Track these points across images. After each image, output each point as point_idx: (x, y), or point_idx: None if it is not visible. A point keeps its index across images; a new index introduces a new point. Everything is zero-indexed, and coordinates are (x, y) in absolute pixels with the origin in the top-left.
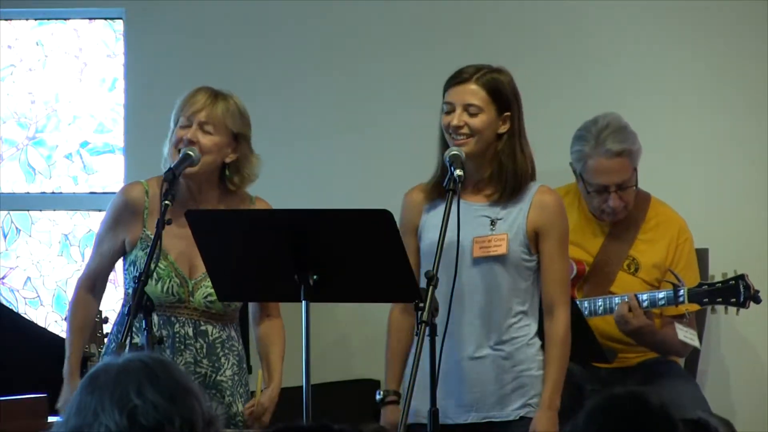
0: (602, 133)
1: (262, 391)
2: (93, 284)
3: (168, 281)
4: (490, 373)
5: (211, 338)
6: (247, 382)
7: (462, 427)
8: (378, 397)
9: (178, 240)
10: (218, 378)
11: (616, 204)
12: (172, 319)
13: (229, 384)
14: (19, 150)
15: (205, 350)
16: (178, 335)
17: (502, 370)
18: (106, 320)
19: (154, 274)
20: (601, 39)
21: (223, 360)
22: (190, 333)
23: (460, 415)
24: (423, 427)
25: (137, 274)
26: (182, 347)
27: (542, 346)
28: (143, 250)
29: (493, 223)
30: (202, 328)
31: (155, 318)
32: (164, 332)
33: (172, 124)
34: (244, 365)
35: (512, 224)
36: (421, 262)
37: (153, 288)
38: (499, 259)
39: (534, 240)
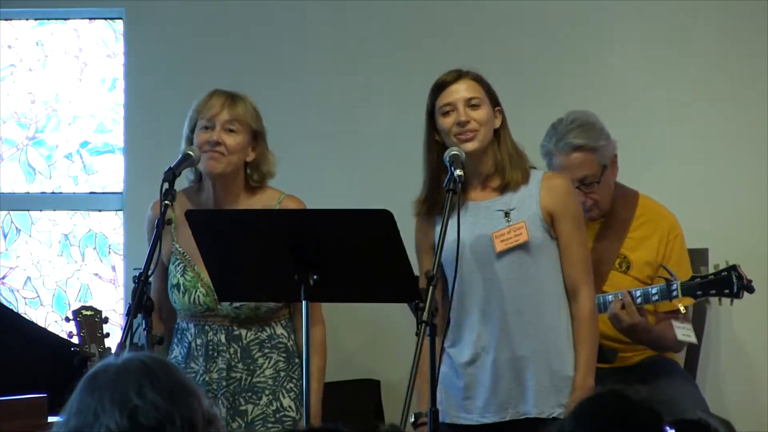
0: (565, 128)
1: None
2: (158, 307)
3: (194, 292)
4: (528, 371)
5: (245, 342)
6: (300, 376)
7: (499, 426)
8: (411, 420)
9: None
10: (254, 380)
11: (582, 199)
12: (206, 327)
13: (269, 383)
14: (19, 150)
15: (239, 354)
16: (211, 343)
17: (540, 368)
18: (106, 320)
19: (181, 286)
20: (601, 38)
21: (260, 360)
22: (223, 339)
23: (497, 413)
24: (452, 427)
25: (137, 274)
26: (215, 354)
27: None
28: (173, 264)
29: (507, 215)
30: (236, 332)
31: (192, 328)
32: (199, 341)
33: (186, 130)
34: (296, 359)
35: (526, 211)
36: (445, 271)
37: (181, 300)
38: (524, 246)
39: (551, 224)
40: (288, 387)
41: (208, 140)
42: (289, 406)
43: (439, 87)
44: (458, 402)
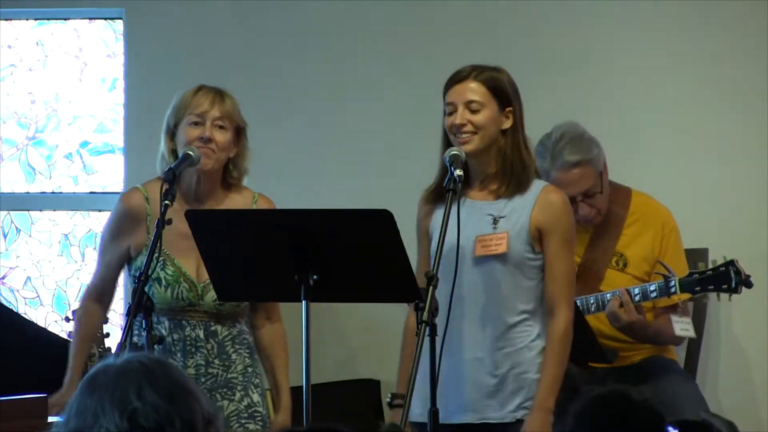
0: (557, 146)
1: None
2: (100, 294)
3: (177, 287)
4: (489, 374)
5: (221, 338)
6: (262, 372)
7: (459, 427)
8: (387, 400)
9: (183, 241)
10: (229, 376)
11: (586, 212)
12: (183, 322)
13: (240, 379)
14: (19, 150)
15: (216, 350)
16: (189, 338)
17: (501, 371)
18: (106, 320)
19: (163, 280)
20: (601, 39)
21: (234, 356)
22: (201, 335)
23: (458, 415)
24: (420, 426)
25: (137, 274)
26: (193, 350)
27: (544, 349)
28: (156, 257)
29: (495, 221)
30: (213, 328)
31: (166, 322)
32: (175, 336)
33: (170, 123)
34: (255, 355)
35: (515, 222)
36: (432, 263)
37: (162, 294)
38: (500, 257)
39: (538, 239)
40: (255, 383)
41: (200, 136)
42: (258, 402)
43: (448, 83)
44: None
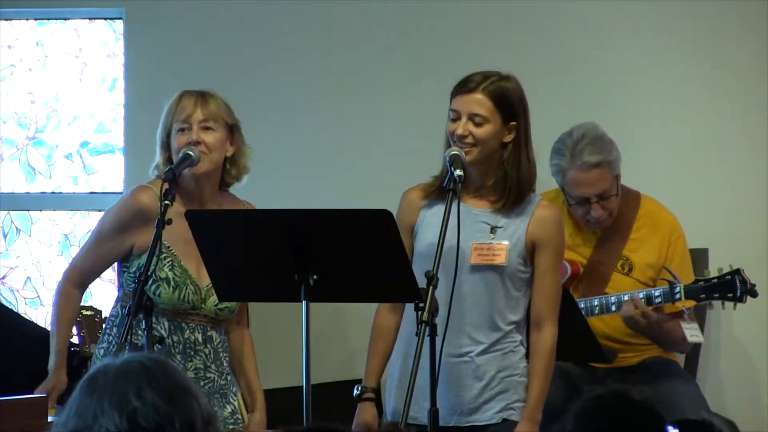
0: (578, 146)
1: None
2: (83, 281)
3: (184, 288)
4: (474, 377)
5: (215, 343)
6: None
7: (445, 430)
8: (355, 392)
9: (188, 245)
10: (221, 382)
11: (599, 214)
12: (183, 324)
13: (224, 386)
14: (19, 150)
15: (212, 356)
16: (188, 341)
17: (489, 375)
18: (106, 320)
19: (171, 281)
20: (601, 39)
21: (224, 363)
22: (200, 339)
23: (443, 417)
24: (413, 428)
25: (138, 274)
26: (192, 353)
27: (526, 355)
28: (156, 256)
29: (493, 230)
30: (209, 333)
31: (165, 323)
32: (174, 338)
33: (161, 135)
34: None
35: (513, 234)
36: (415, 261)
37: (170, 295)
38: (497, 268)
39: (530, 253)
40: (234, 390)
41: (188, 141)
42: (237, 408)
43: (456, 89)
44: (419, 403)
